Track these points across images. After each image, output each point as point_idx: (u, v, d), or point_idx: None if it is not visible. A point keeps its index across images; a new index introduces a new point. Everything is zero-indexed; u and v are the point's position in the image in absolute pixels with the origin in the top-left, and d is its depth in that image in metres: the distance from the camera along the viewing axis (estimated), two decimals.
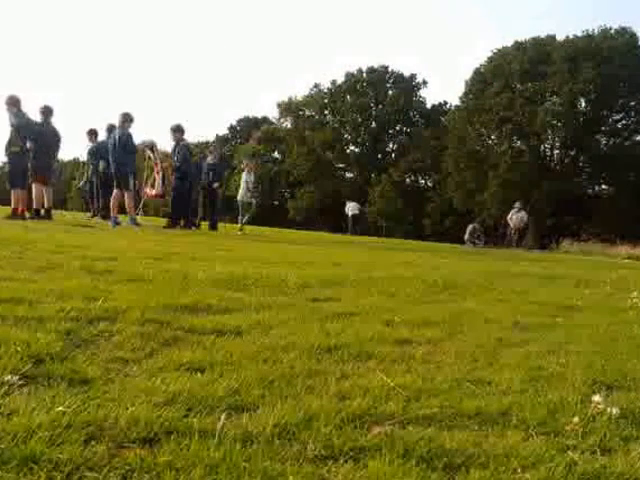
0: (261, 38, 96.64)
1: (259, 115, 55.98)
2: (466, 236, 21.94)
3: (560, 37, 36.86)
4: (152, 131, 78.41)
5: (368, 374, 1.91)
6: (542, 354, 2.41)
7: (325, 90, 48.45)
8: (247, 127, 54.81)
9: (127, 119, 10.70)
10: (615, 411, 1.67)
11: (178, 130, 12.10)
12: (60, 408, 1.35)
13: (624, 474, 1.33)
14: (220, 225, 14.05)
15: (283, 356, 2.02)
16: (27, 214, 10.20)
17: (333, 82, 47.99)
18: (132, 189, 10.81)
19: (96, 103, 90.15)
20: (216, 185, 13.29)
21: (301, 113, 49.17)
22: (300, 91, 65.57)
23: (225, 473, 1.16)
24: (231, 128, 56.86)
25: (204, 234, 10.28)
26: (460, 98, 40.05)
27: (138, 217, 11.70)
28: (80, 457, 1.16)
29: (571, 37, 36.45)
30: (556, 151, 37.37)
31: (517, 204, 20.89)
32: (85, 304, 2.48)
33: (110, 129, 12.02)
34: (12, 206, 10.13)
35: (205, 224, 13.70)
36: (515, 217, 20.46)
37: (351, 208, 25.52)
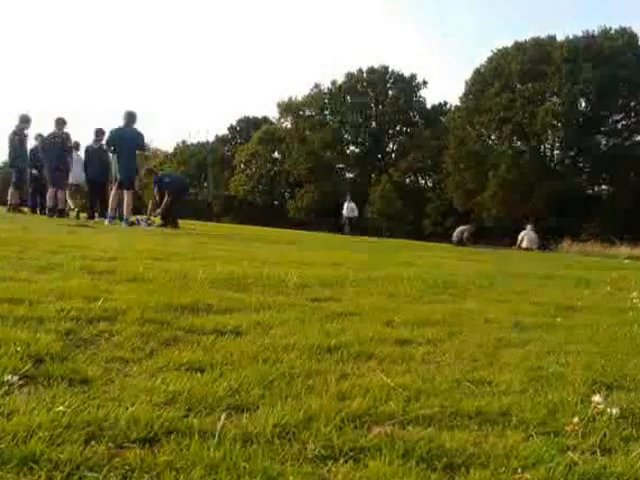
0: (261, 38, 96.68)
1: (259, 115, 55.98)
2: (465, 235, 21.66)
3: (560, 37, 36.85)
4: (152, 131, 78.35)
5: (368, 374, 1.91)
6: (542, 354, 2.41)
7: (325, 90, 48.41)
8: (247, 127, 54.78)
9: (131, 118, 10.84)
10: (615, 411, 1.67)
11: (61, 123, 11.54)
12: (60, 408, 1.35)
13: (624, 474, 1.33)
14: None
15: (283, 356, 2.02)
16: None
17: (333, 82, 47.96)
18: (134, 189, 10.94)
19: (95, 103, 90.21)
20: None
21: (301, 113, 49.12)
22: (300, 91, 65.56)
23: (225, 473, 1.17)
24: (231, 128, 56.82)
25: (205, 234, 10.27)
26: (460, 98, 40.05)
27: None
28: (80, 457, 1.16)
29: (571, 37, 36.46)
30: (556, 151, 37.35)
31: (528, 227, 20.78)
32: (85, 304, 2.48)
33: (38, 137, 12.36)
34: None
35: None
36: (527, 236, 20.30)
37: (349, 210, 24.44)
